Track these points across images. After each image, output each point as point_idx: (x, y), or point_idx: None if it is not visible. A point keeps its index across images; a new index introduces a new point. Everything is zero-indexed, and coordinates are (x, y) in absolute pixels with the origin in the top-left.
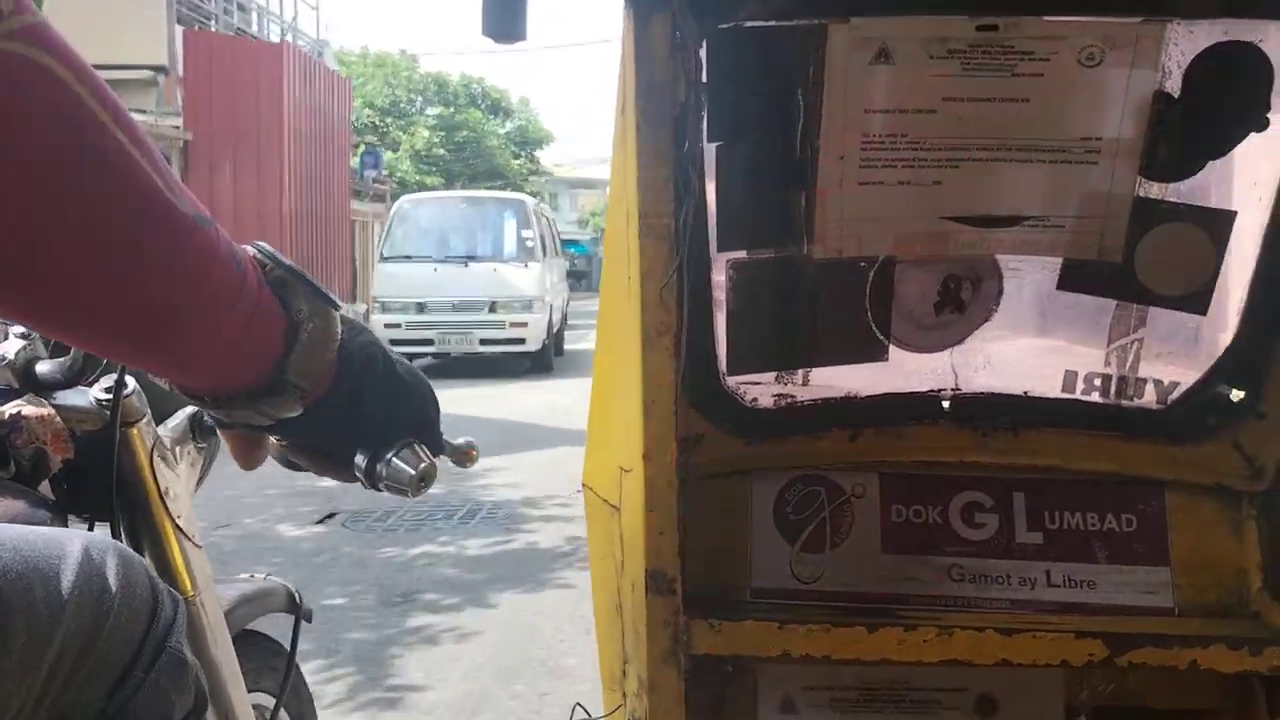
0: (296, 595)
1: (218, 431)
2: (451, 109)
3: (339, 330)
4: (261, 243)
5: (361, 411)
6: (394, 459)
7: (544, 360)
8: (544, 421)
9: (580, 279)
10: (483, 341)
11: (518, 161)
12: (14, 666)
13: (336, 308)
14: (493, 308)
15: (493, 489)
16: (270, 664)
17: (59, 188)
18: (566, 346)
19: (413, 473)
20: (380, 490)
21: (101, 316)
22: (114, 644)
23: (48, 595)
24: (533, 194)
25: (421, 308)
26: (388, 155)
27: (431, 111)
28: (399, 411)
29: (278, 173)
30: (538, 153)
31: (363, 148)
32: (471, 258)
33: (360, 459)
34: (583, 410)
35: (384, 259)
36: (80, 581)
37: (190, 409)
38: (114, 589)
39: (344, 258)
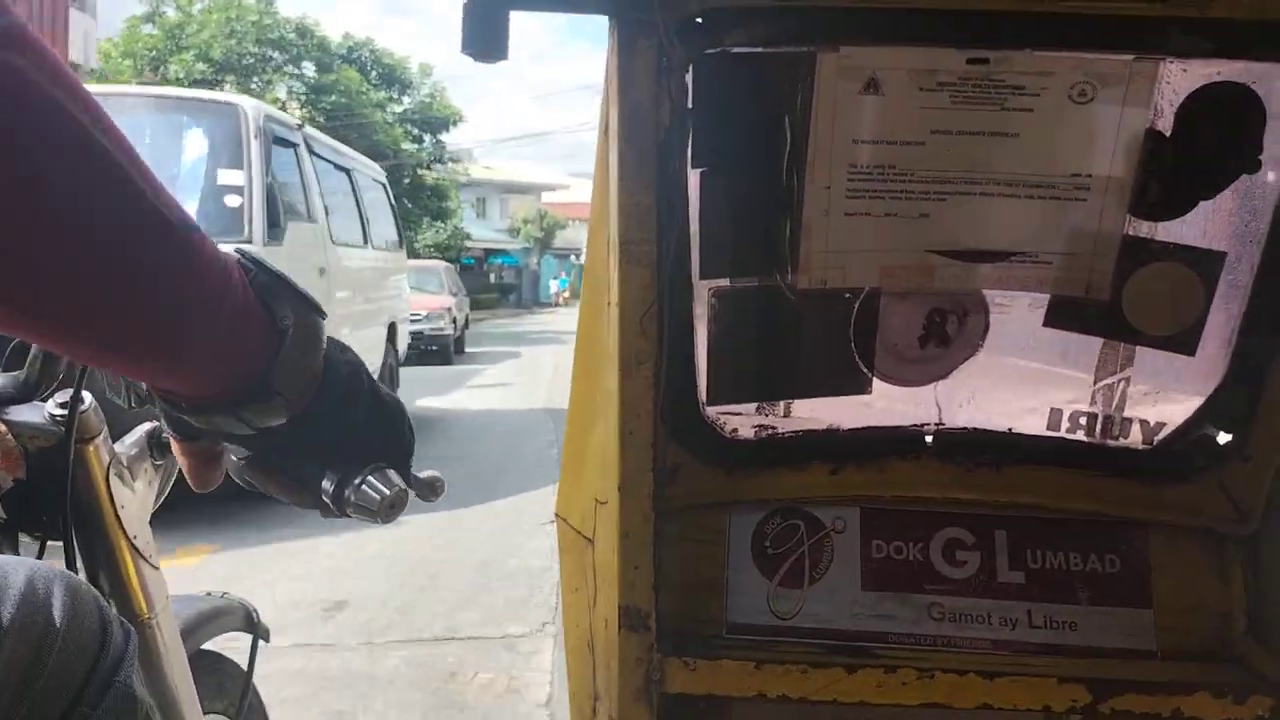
0: (254, 614)
1: (171, 451)
2: (329, 74)
3: (324, 339)
4: (245, 248)
5: (342, 429)
6: (364, 484)
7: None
8: None
9: (507, 293)
10: None
11: (416, 146)
12: None
13: (323, 316)
14: None
15: None
16: (226, 684)
17: (40, 192)
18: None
19: (381, 498)
20: (347, 515)
21: (86, 319)
22: (57, 680)
23: None
24: (437, 186)
25: None
26: None
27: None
28: (376, 434)
29: None
30: (445, 135)
31: None
32: None
33: (328, 482)
34: None
35: None
36: (21, 614)
37: (148, 425)
38: (59, 621)
39: None
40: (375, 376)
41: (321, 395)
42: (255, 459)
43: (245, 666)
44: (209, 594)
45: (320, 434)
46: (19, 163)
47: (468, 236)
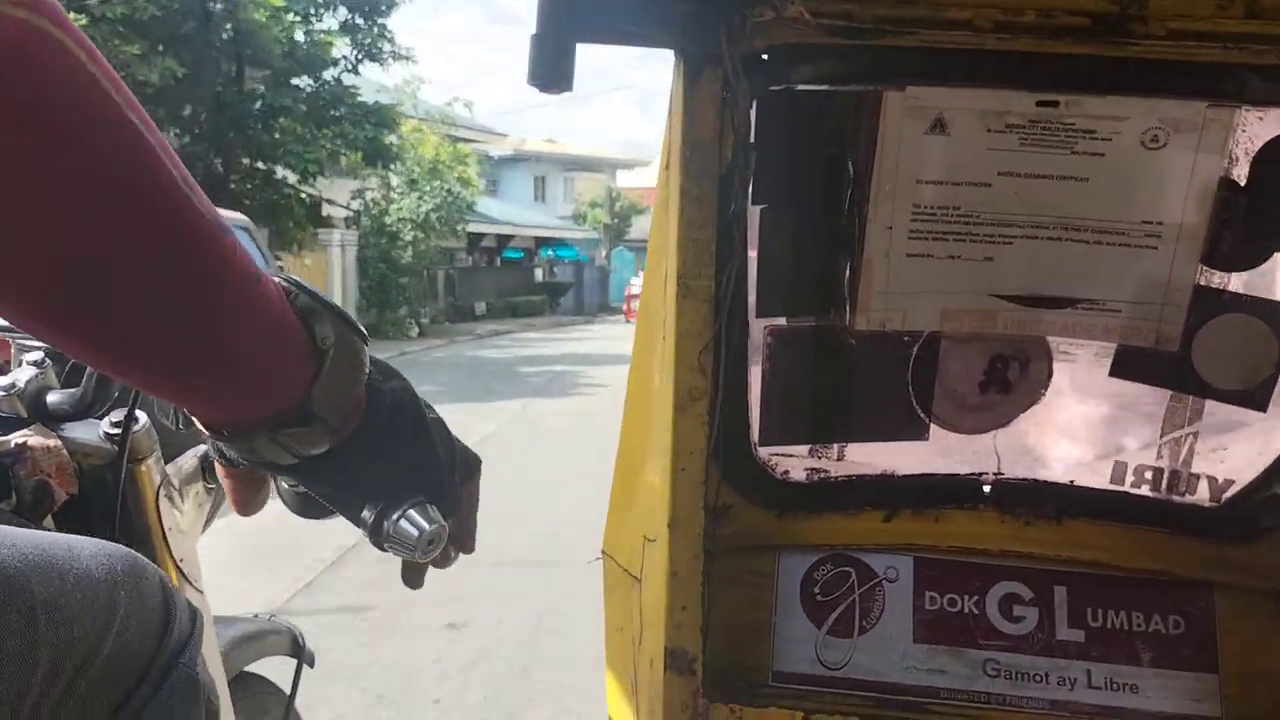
0: (300, 638)
1: (216, 475)
2: None
3: (367, 362)
4: (282, 271)
5: (384, 459)
6: (402, 519)
7: None
8: None
9: (559, 296)
10: None
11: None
12: (4, 667)
13: (365, 340)
14: None
15: None
16: (268, 707)
17: (73, 165)
18: None
19: (419, 534)
20: (384, 549)
21: (124, 328)
22: (121, 657)
23: (48, 596)
24: (381, 111)
25: None
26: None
27: None
28: (421, 467)
29: None
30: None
31: None
32: None
33: (368, 513)
34: None
35: None
36: (85, 586)
37: (201, 448)
38: (123, 598)
39: None
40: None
41: (365, 423)
42: (296, 486)
43: (288, 690)
44: (256, 615)
45: (363, 464)
46: (59, 130)
47: (469, 207)
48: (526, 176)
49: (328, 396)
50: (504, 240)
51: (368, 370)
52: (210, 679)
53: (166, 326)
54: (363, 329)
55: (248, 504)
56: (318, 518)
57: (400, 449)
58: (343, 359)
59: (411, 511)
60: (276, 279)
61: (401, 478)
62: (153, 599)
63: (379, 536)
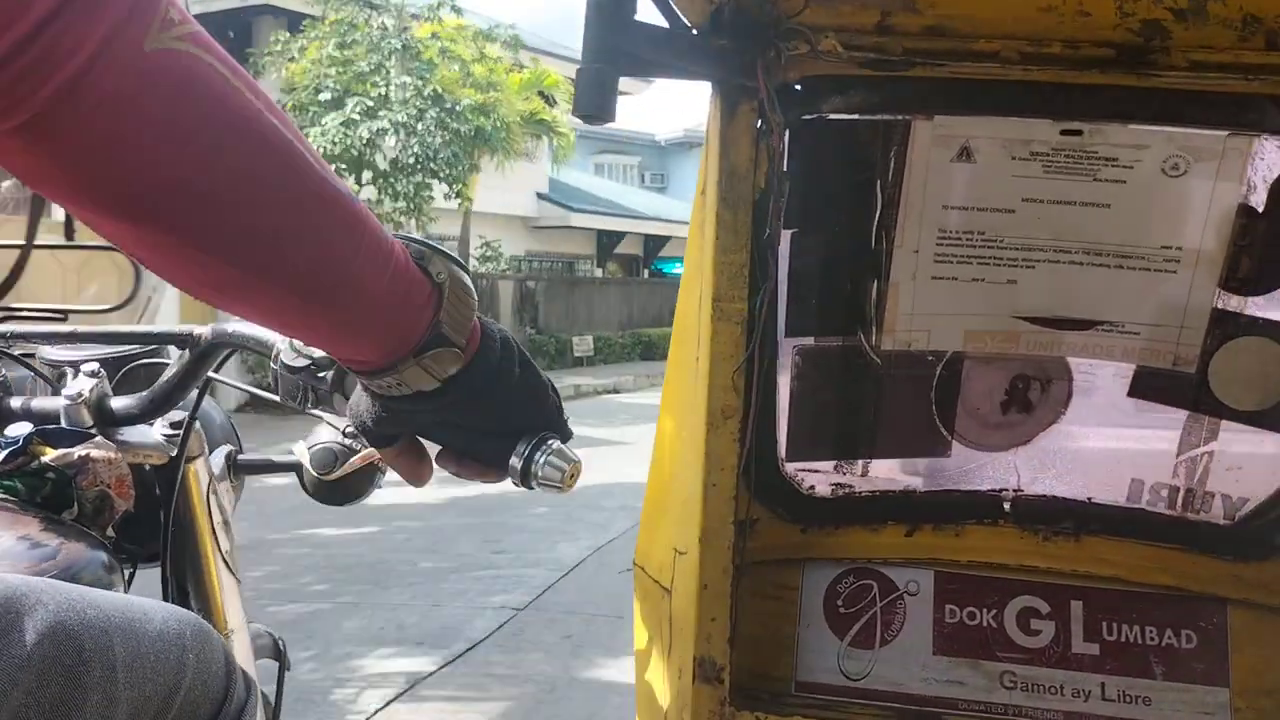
0: (280, 642)
1: (379, 456)
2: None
3: (474, 289)
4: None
5: (508, 382)
6: (547, 461)
7: None
8: None
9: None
10: None
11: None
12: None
13: (467, 270)
14: None
15: None
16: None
17: (235, 162)
18: None
19: (566, 470)
20: (533, 488)
21: (282, 278)
22: (187, 715)
23: (127, 656)
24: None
25: None
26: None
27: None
28: (538, 392)
29: None
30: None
31: None
32: None
33: (515, 459)
34: None
35: None
36: (159, 647)
37: (226, 448)
38: (190, 662)
39: None
40: None
41: (483, 347)
42: (445, 450)
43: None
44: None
45: (494, 386)
46: (216, 138)
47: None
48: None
49: (451, 320)
50: (656, 246)
51: (475, 296)
52: None
53: (324, 272)
54: (462, 261)
55: (417, 474)
56: (341, 504)
57: (518, 378)
58: (457, 287)
59: (552, 455)
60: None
61: (527, 408)
62: (216, 664)
63: (528, 478)
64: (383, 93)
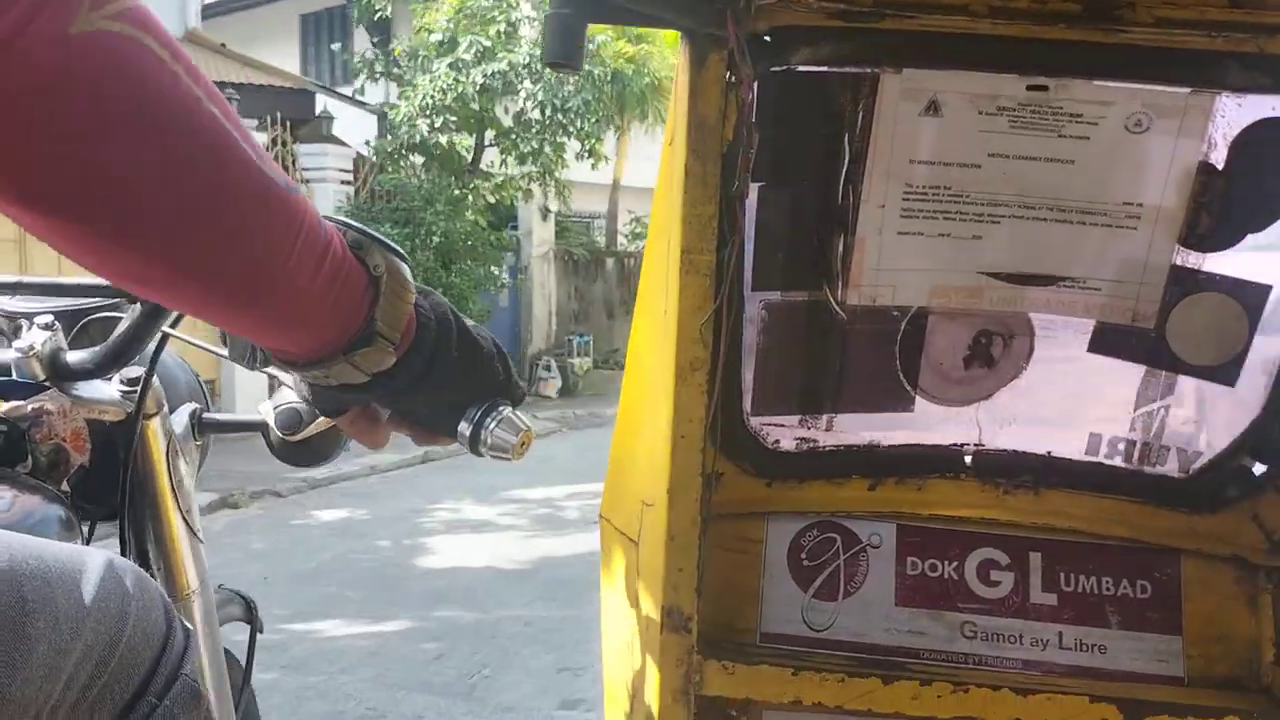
0: (252, 605)
1: (337, 422)
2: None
3: (413, 282)
4: (330, 214)
5: (445, 365)
6: (494, 432)
7: None
8: None
9: None
10: None
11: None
12: (34, 673)
13: (406, 261)
14: None
15: None
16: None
17: (163, 154)
18: None
19: (515, 440)
20: (482, 455)
21: (209, 275)
22: (128, 664)
23: (70, 605)
24: None
25: None
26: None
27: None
28: (479, 367)
29: None
30: None
31: None
32: None
33: (464, 425)
34: None
35: None
36: (100, 595)
37: (191, 405)
38: (131, 608)
39: None
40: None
41: (418, 337)
42: (394, 415)
43: (242, 659)
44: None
45: (424, 375)
46: (148, 125)
47: None
48: None
49: (386, 316)
50: None
51: (414, 290)
52: (209, 692)
53: (254, 270)
54: (402, 251)
55: (373, 439)
56: (308, 465)
57: (458, 351)
58: (394, 282)
59: (501, 424)
60: (329, 222)
61: (470, 379)
62: (155, 611)
63: (478, 445)
64: (503, 29)
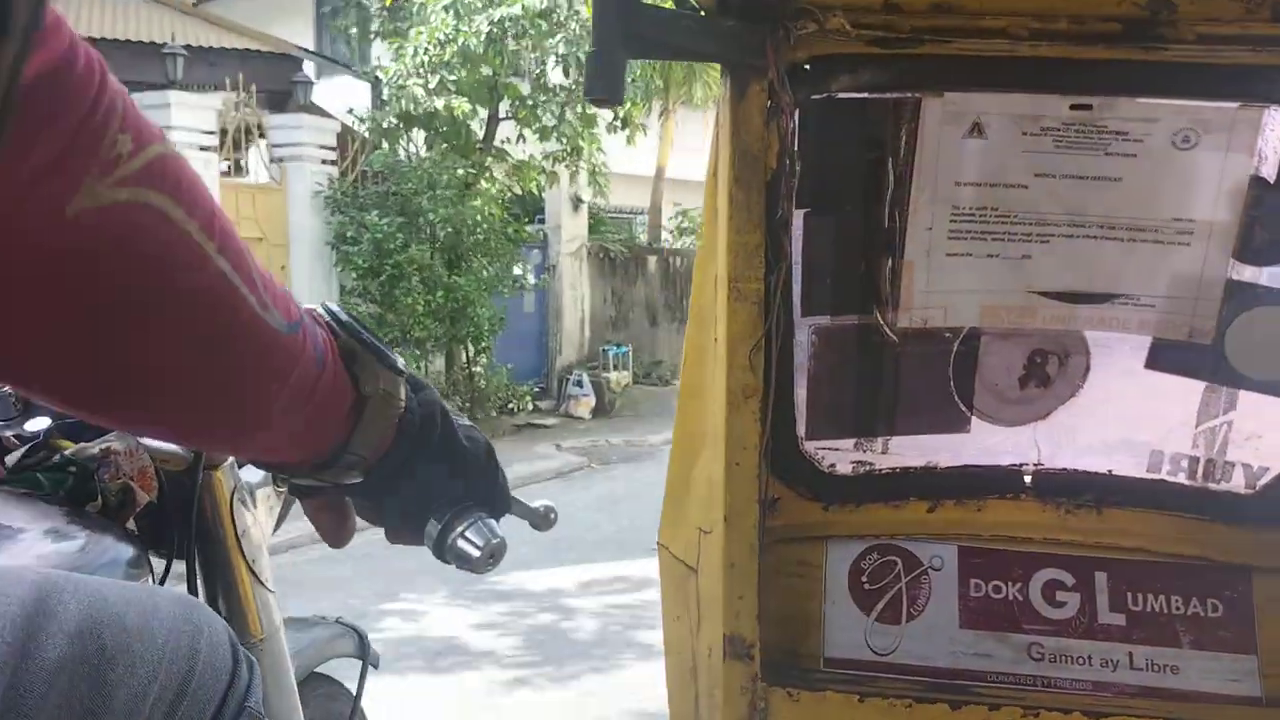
0: (366, 640)
1: (302, 505)
2: None
3: (403, 398)
4: (328, 305)
5: (415, 476)
6: (460, 539)
7: None
8: None
9: None
10: None
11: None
12: (115, 718)
13: (401, 374)
14: None
15: None
16: (335, 708)
17: (166, 321)
18: None
19: (478, 553)
20: (447, 562)
21: (201, 431)
22: (199, 701)
23: (145, 649)
24: None
25: None
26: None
27: None
28: (467, 473)
29: None
30: None
31: None
32: None
33: (432, 527)
34: None
35: None
36: (172, 634)
37: None
38: (201, 645)
39: None
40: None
41: (394, 448)
42: (360, 509)
43: (354, 691)
44: (323, 619)
45: (393, 485)
46: (152, 296)
47: None
48: None
49: (365, 438)
50: None
51: (402, 403)
52: None
53: (243, 416)
54: (396, 361)
55: (336, 536)
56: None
57: (432, 464)
58: (381, 400)
59: (470, 531)
60: (321, 312)
61: (443, 489)
62: (222, 646)
63: (442, 552)
64: None
